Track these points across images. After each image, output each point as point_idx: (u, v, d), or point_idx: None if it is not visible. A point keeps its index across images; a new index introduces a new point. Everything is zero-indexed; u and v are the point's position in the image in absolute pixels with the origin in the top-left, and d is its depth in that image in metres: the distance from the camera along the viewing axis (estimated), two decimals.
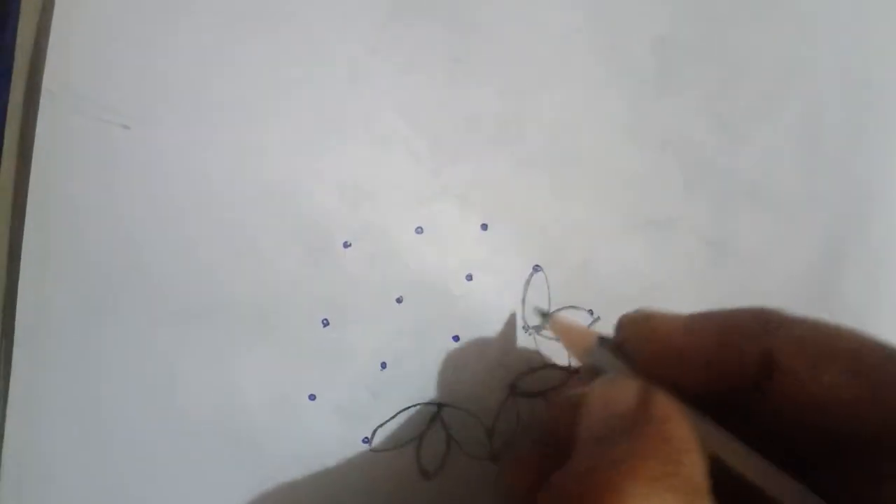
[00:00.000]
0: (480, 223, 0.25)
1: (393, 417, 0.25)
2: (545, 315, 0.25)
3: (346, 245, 0.25)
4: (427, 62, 0.25)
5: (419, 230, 0.25)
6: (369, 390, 0.25)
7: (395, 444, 0.25)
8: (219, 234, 0.24)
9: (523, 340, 0.26)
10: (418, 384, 0.25)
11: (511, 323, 0.26)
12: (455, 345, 0.25)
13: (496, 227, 0.26)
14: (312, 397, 0.25)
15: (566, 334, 0.23)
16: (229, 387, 0.24)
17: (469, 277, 0.25)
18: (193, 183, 0.24)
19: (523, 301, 0.26)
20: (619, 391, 0.19)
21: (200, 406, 0.24)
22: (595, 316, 0.26)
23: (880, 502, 0.16)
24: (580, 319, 0.26)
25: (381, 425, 0.25)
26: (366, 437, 0.25)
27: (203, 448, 0.24)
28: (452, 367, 0.25)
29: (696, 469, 0.16)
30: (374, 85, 0.25)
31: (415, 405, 0.25)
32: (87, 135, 0.23)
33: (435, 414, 0.25)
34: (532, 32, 0.25)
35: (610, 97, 0.26)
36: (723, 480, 0.17)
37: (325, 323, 0.25)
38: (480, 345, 0.25)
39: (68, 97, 0.23)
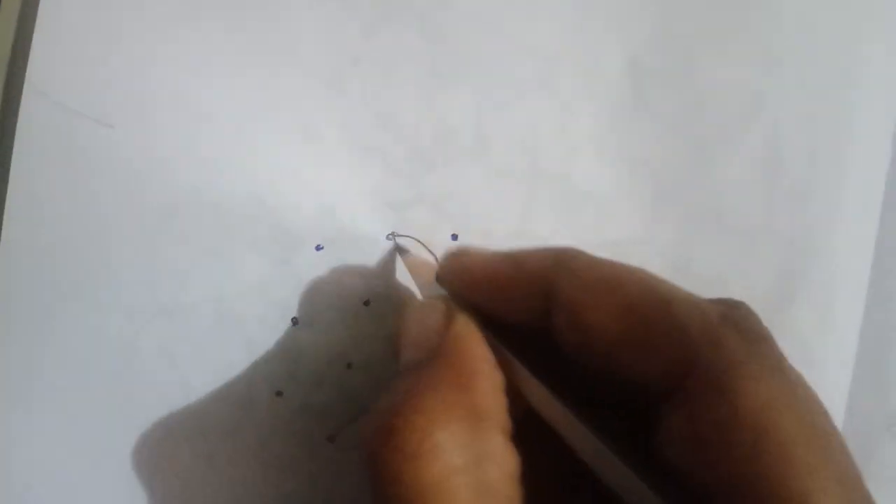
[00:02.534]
0: (451, 233, 0.26)
1: (358, 417, 0.26)
2: (403, 251, 0.25)
3: (318, 248, 0.25)
4: (407, 74, 0.26)
5: (390, 237, 0.26)
6: (335, 389, 0.26)
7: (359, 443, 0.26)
8: (194, 232, 0.25)
9: None
10: (383, 385, 0.26)
11: None
12: None
13: (466, 237, 0.26)
14: (279, 394, 0.25)
15: (414, 270, 0.24)
16: (190, 383, 0.25)
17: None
18: (171, 182, 0.24)
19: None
20: (425, 312, 0.20)
21: (158, 401, 0.25)
22: None
23: (651, 441, 0.16)
24: None
25: (345, 424, 0.26)
26: (330, 436, 0.26)
27: (159, 445, 0.25)
28: None
29: (485, 394, 0.17)
30: (355, 94, 0.25)
31: None
32: (69, 131, 0.24)
33: None
34: (511, 49, 0.26)
35: (583, 116, 0.27)
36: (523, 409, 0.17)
37: (295, 322, 0.25)
38: None
39: (52, 91, 0.23)
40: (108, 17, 0.24)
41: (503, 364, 0.18)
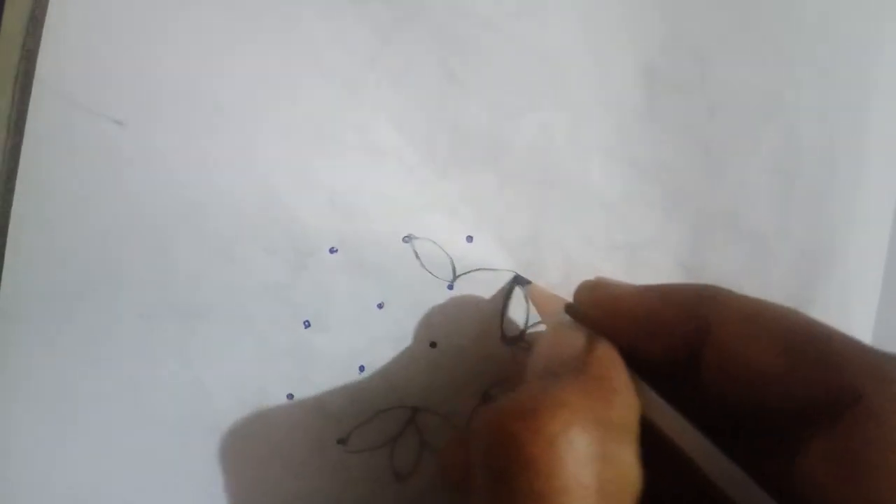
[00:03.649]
0: (466, 235, 0.26)
1: (369, 420, 0.26)
2: (525, 284, 0.26)
3: (332, 251, 0.25)
4: (422, 77, 0.26)
5: (406, 239, 0.26)
6: (347, 392, 0.25)
7: (370, 445, 0.26)
8: (207, 234, 0.24)
9: (500, 351, 0.26)
10: (395, 388, 0.26)
11: (489, 333, 0.26)
12: (432, 351, 0.26)
13: (480, 240, 0.26)
14: (290, 396, 0.25)
15: (539, 301, 0.25)
16: (204, 384, 0.25)
17: (450, 287, 0.26)
18: (183, 183, 0.24)
19: (502, 313, 0.26)
20: (567, 335, 0.20)
21: (172, 402, 0.24)
22: None
23: (795, 470, 0.17)
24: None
25: (356, 427, 0.26)
26: (341, 438, 0.26)
27: (172, 446, 0.25)
28: (428, 372, 0.26)
29: (624, 410, 0.17)
30: (370, 96, 0.25)
31: (390, 408, 0.26)
32: (79, 127, 0.23)
33: (410, 418, 0.26)
34: (525, 54, 0.26)
35: (596, 121, 0.27)
36: (651, 441, 0.18)
37: (307, 324, 0.25)
38: (457, 352, 0.26)
39: (63, 88, 0.23)
40: (119, 12, 0.23)
41: (638, 394, 0.19)
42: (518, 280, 0.26)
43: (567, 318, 0.22)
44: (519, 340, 0.26)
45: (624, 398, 0.18)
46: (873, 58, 0.27)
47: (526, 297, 0.26)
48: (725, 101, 0.27)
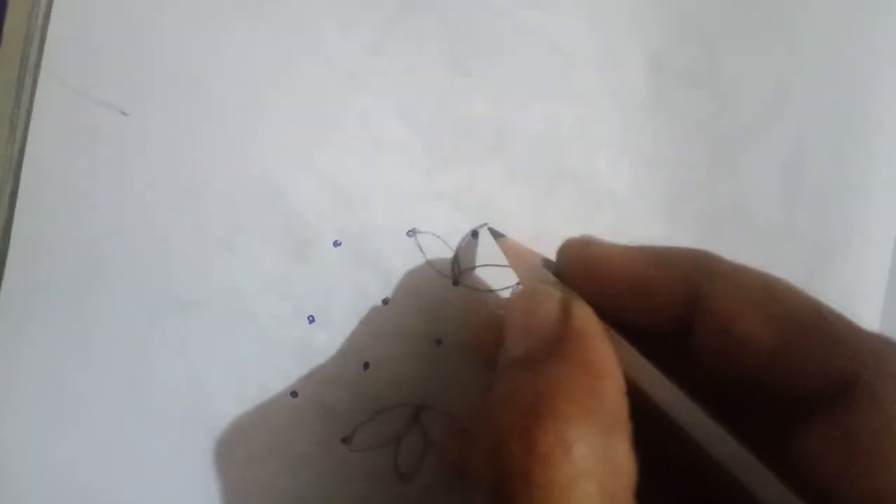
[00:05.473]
0: (471, 230, 0.26)
1: (373, 418, 0.25)
2: (497, 235, 0.25)
3: (336, 244, 0.25)
4: (428, 66, 0.25)
5: (411, 234, 0.25)
6: (351, 389, 0.25)
7: (374, 444, 0.25)
8: (208, 226, 0.24)
9: None
10: (399, 385, 0.25)
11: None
12: (438, 349, 0.25)
13: (486, 234, 0.26)
14: (294, 394, 0.25)
15: (513, 254, 0.23)
16: (203, 381, 0.24)
17: (455, 282, 0.25)
18: (186, 174, 0.24)
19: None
20: (540, 301, 0.19)
21: (171, 399, 0.24)
22: None
23: (791, 450, 0.16)
24: None
25: (360, 425, 0.25)
26: (345, 437, 0.25)
27: (171, 443, 0.24)
28: (434, 370, 0.25)
29: (615, 399, 0.16)
30: (375, 85, 0.25)
31: (395, 406, 0.25)
32: (84, 118, 0.23)
33: (414, 416, 0.25)
34: (534, 45, 0.26)
35: (603, 114, 0.26)
36: (638, 403, 0.17)
37: (311, 320, 0.25)
38: (463, 349, 0.26)
39: (68, 78, 0.23)
40: (124, 3, 0.23)
41: (620, 357, 0.18)
42: (492, 232, 0.25)
43: (543, 273, 0.21)
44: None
45: (611, 382, 0.17)
46: (882, 50, 0.27)
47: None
48: (734, 94, 0.27)
